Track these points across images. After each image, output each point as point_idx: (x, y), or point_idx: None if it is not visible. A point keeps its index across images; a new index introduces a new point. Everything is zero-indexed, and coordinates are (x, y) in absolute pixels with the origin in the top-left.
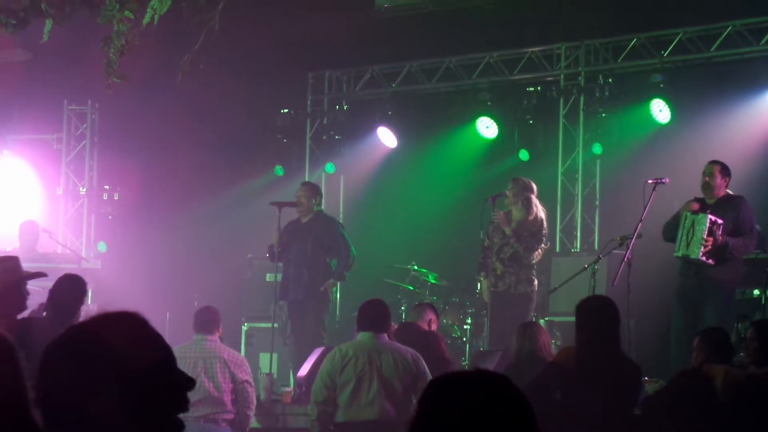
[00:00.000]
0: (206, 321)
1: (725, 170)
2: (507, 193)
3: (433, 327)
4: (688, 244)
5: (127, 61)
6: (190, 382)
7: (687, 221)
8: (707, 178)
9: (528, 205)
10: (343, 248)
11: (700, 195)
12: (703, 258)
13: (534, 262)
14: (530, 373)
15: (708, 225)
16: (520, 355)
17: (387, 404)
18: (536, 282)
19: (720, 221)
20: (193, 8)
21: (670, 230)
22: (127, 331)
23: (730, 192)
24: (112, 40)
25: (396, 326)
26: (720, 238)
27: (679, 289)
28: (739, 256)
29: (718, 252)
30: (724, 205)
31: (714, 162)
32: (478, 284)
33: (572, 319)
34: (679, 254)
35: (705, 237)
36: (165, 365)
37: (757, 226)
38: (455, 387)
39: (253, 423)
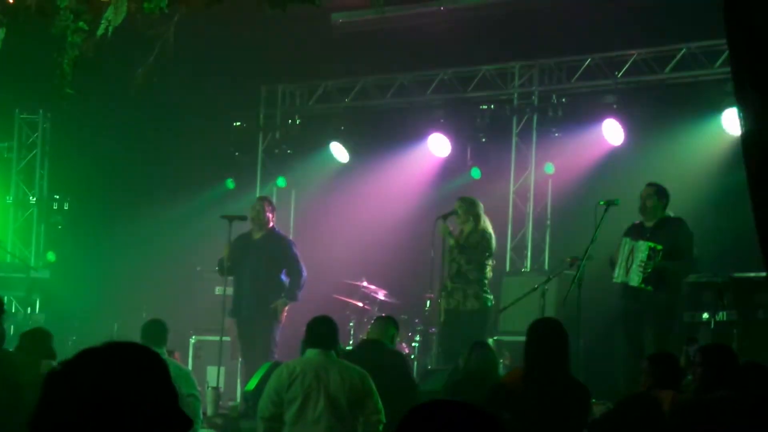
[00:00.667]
0: (153, 334)
1: (661, 192)
2: (457, 211)
3: (393, 341)
4: (627, 271)
5: (80, 71)
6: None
7: (626, 247)
8: (643, 201)
9: (477, 221)
10: (296, 267)
11: (643, 215)
12: (642, 285)
13: (482, 277)
14: (477, 390)
15: (648, 253)
16: (468, 372)
17: (333, 421)
18: (490, 297)
19: (659, 247)
20: (148, 21)
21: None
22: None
23: (670, 214)
24: (66, 51)
25: (359, 341)
26: (659, 264)
27: (620, 313)
28: (677, 279)
29: (657, 278)
30: (663, 227)
31: (650, 184)
32: (427, 302)
33: (521, 338)
34: (618, 281)
35: (644, 264)
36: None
37: None
38: (438, 417)
39: None
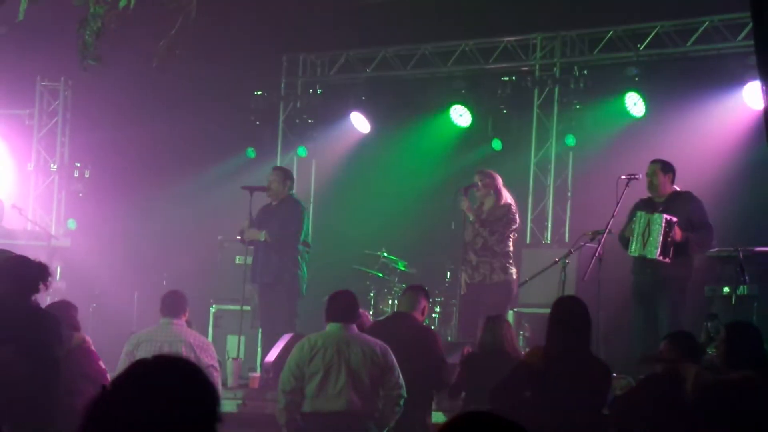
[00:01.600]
0: (172, 305)
1: (666, 167)
2: (478, 184)
3: (425, 313)
4: (644, 244)
5: (102, 40)
6: None
7: (642, 221)
8: (650, 178)
9: (498, 194)
10: (291, 224)
11: (652, 192)
12: (660, 258)
13: (507, 249)
14: (492, 365)
15: (664, 225)
16: (483, 346)
17: (354, 396)
18: (513, 270)
19: (675, 219)
20: None
21: (626, 240)
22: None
23: (677, 188)
24: (88, 23)
25: (391, 313)
26: (677, 236)
27: (635, 286)
28: (698, 251)
29: (676, 250)
30: (674, 202)
31: (654, 161)
32: (448, 273)
33: (541, 310)
34: (636, 254)
35: (661, 236)
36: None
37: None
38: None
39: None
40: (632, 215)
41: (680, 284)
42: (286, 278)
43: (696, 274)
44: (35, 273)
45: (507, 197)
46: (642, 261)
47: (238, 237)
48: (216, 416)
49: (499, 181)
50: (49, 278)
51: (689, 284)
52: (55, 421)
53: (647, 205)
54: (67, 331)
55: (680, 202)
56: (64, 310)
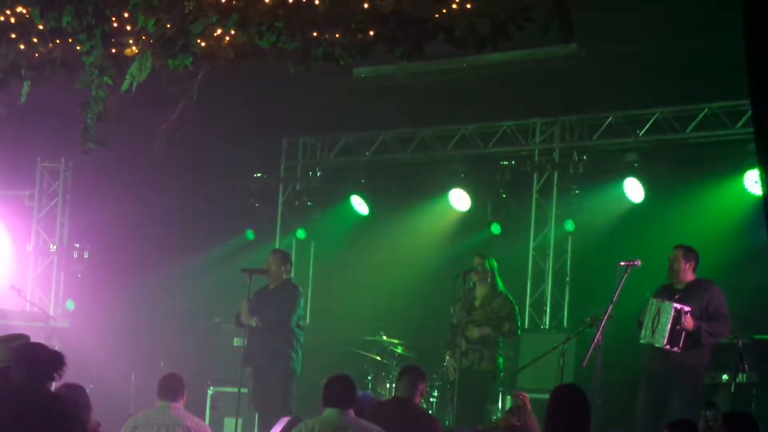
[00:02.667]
0: (170, 388)
1: (689, 254)
2: (477, 269)
3: (423, 395)
4: (653, 332)
5: (103, 123)
6: None
7: (653, 308)
8: (671, 263)
9: (494, 284)
10: (288, 308)
11: (672, 278)
12: (667, 347)
13: (500, 341)
14: None
15: (673, 314)
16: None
17: None
18: (501, 359)
19: (687, 309)
20: (172, 77)
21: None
22: None
23: (702, 278)
24: (90, 106)
25: (390, 398)
26: (689, 325)
27: (647, 372)
28: (711, 341)
29: (686, 339)
30: (694, 290)
31: (678, 246)
32: (446, 357)
33: (539, 395)
34: (644, 341)
35: (669, 325)
36: None
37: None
38: None
39: None
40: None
41: (692, 374)
42: (281, 361)
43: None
44: (51, 361)
45: (504, 287)
46: (653, 349)
47: (233, 321)
48: None
49: (495, 268)
50: (64, 367)
51: (702, 373)
52: None
53: (666, 291)
54: (87, 414)
55: (699, 291)
56: (79, 392)
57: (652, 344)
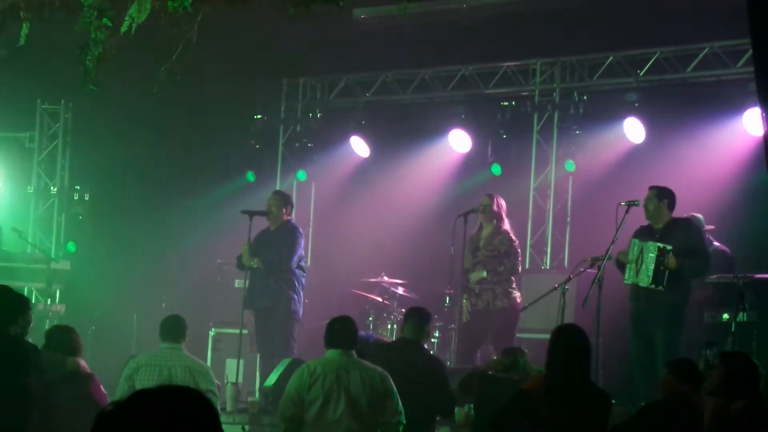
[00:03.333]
0: (172, 329)
1: (663, 193)
2: (485, 207)
3: (430, 337)
4: (637, 272)
5: (103, 65)
6: None
7: (635, 249)
8: (646, 204)
9: (500, 222)
10: (289, 249)
11: (650, 219)
12: (652, 286)
13: (510, 276)
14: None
15: (657, 253)
16: (500, 371)
17: (353, 423)
18: (516, 294)
19: (669, 247)
20: (172, 19)
21: (622, 266)
22: None
23: (678, 216)
24: (89, 48)
25: (397, 339)
26: (672, 264)
27: (632, 314)
28: (695, 277)
29: (671, 277)
30: (673, 229)
31: (652, 187)
32: (447, 298)
33: (540, 336)
34: (629, 282)
35: (653, 265)
36: None
37: (725, 248)
38: None
39: None
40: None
41: (676, 311)
42: (283, 303)
43: (695, 301)
44: (13, 304)
45: (506, 226)
46: (637, 289)
47: (236, 263)
48: None
49: (504, 208)
50: (28, 312)
51: (686, 311)
52: None
53: (645, 233)
54: (59, 356)
55: (678, 230)
56: (64, 334)
57: (636, 284)
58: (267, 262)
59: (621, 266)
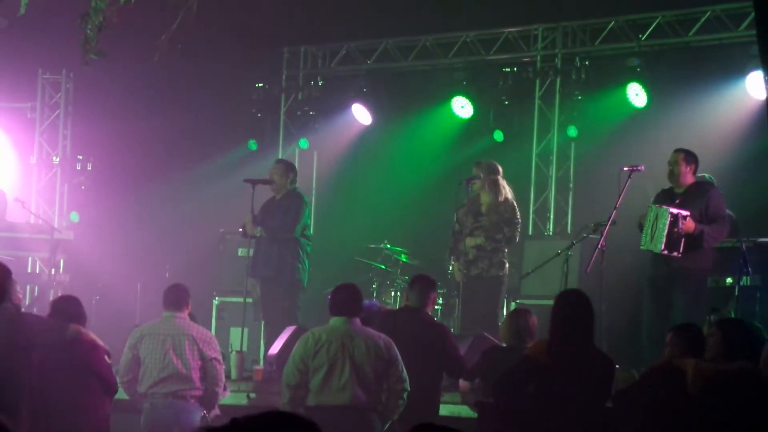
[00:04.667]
0: (175, 298)
1: (690, 157)
2: (480, 175)
3: (434, 305)
4: (652, 238)
5: (104, 35)
6: None
7: (651, 214)
8: (671, 167)
9: (495, 188)
10: (291, 219)
11: (672, 182)
12: (666, 252)
13: (506, 245)
14: (513, 358)
15: (669, 219)
16: (506, 339)
17: (358, 390)
18: (507, 265)
19: (685, 213)
20: None
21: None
22: None
23: (706, 176)
24: (90, 17)
25: (400, 309)
26: (689, 229)
27: (650, 278)
28: (712, 243)
29: (686, 243)
30: (693, 194)
31: (678, 150)
32: (450, 266)
33: (544, 302)
34: (644, 248)
35: (666, 230)
36: None
37: (730, 212)
38: None
39: (223, 400)
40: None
41: (695, 276)
42: (287, 271)
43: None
44: None
45: (507, 192)
46: (655, 254)
47: (240, 230)
48: None
49: (498, 171)
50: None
51: (705, 276)
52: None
53: (666, 196)
54: (59, 323)
55: (698, 194)
56: (68, 303)
57: (651, 250)
58: (269, 230)
59: (641, 229)
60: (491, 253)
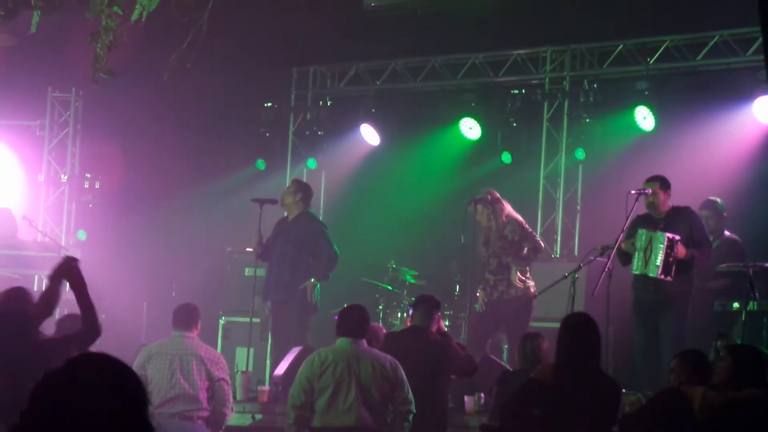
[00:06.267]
0: (185, 318)
1: (665, 184)
2: (488, 197)
3: (440, 325)
4: (646, 263)
5: (113, 53)
6: None
7: (643, 238)
8: (651, 198)
9: (494, 214)
10: (324, 248)
11: (651, 210)
12: (662, 276)
13: (524, 264)
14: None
15: (666, 243)
16: (521, 362)
17: (364, 411)
18: (531, 283)
19: (677, 237)
20: (182, 7)
21: (624, 255)
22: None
23: (711, 204)
24: (100, 36)
25: (406, 329)
26: (680, 254)
27: (637, 303)
28: (700, 267)
29: (678, 267)
30: (674, 219)
31: (653, 179)
32: (457, 286)
33: (550, 325)
34: (637, 272)
35: (662, 255)
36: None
37: (736, 237)
38: None
39: (230, 421)
40: (632, 231)
41: (683, 299)
42: (298, 294)
43: (705, 291)
44: None
45: (510, 212)
46: (644, 278)
47: (250, 249)
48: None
49: (494, 201)
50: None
51: (691, 299)
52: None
53: (647, 222)
54: (68, 341)
55: (681, 219)
56: (73, 322)
57: (645, 274)
58: (283, 254)
59: (622, 254)
60: (508, 275)
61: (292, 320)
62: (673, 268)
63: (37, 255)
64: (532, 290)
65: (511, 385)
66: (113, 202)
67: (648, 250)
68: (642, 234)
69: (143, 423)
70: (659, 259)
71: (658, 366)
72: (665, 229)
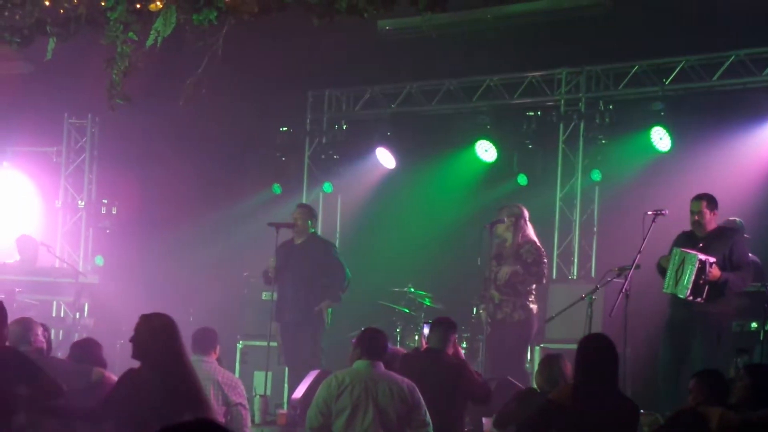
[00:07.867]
0: (203, 342)
1: (712, 203)
2: (504, 219)
3: (456, 346)
4: (676, 282)
5: (129, 79)
6: None
7: (677, 258)
8: (696, 217)
9: (515, 229)
10: (338, 270)
11: (696, 228)
12: (690, 298)
13: (530, 288)
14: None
15: (698, 265)
16: (541, 385)
17: None
18: (534, 307)
19: (712, 259)
20: (197, 32)
21: (663, 270)
22: None
23: (731, 224)
24: (116, 62)
25: (422, 351)
26: (713, 276)
27: (670, 320)
28: (736, 291)
29: (711, 290)
30: (717, 239)
31: (700, 198)
32: (474, 309)
33: (568, 346)
34: (668, 291)
35: (693, 276)
36: None
37: (754, 257)
38: None
39: None
40: (672, 248)
41: (717, 321)
42: (312, 316)
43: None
44: None
45: (529, 232)
46: (676, 297)
47: (262, 277)
48: None
49: (520, 215)
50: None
51: (727, 323)
52: None
53: (688, 239)
54: (85, 366)
55: (722, 240)
56: (88, 347)
57: (675, 294)
58: (298, 277)
59: (662, 271)
60: (515, 297)
61: (305, 340)
62: (705, 289)
63: (54, 281)
64: (534, 313)
65: (530, 403)
66: (130, 228)
67: (680, 270)
68: (676, 253)
69: None
70: (688, 280)
71: (681, 386)
72: (704, 249)
